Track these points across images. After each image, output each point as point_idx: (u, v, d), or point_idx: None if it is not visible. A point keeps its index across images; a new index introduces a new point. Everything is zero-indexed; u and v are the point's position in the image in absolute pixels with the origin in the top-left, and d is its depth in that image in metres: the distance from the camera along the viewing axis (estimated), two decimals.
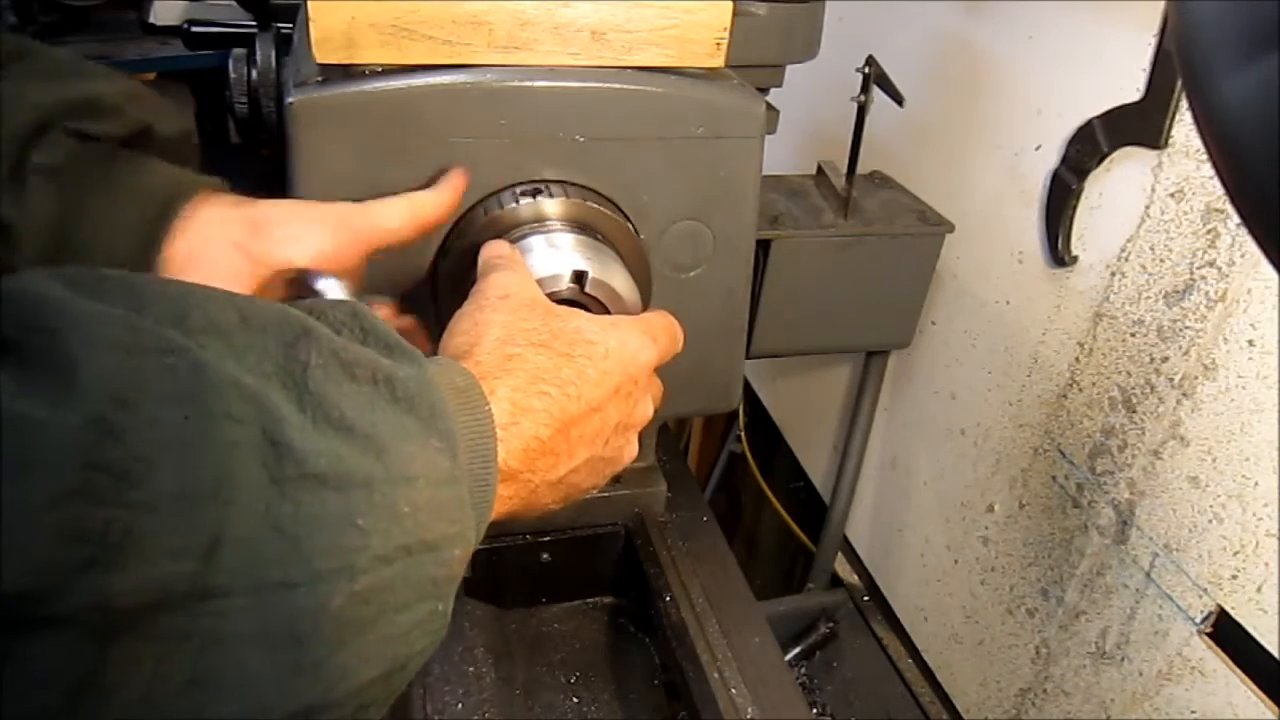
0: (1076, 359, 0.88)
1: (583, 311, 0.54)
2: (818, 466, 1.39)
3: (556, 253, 0.62)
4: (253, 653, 0.29)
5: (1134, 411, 0.82)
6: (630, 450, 0.55)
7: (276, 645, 0.30)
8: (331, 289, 0.54)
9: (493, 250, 0.59)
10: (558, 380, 0.47)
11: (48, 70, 0.55)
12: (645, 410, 0.55)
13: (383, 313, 0.58)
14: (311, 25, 0.58)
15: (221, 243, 0.53)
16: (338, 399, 0.34)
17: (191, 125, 0.63)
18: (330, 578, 0.31)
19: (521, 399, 0.45)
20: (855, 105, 0.95)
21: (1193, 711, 0.77)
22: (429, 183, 0.62)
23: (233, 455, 0.30)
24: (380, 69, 0.61)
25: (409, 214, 0.58)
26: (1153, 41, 0.76)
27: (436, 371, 0.41)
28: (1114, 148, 0.80)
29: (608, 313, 0.62)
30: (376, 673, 0.34)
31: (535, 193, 0.65)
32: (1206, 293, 0.73)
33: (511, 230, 0.64)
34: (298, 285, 0.54)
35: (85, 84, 0.55)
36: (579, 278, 0.62)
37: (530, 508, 0.49)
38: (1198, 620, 0.76)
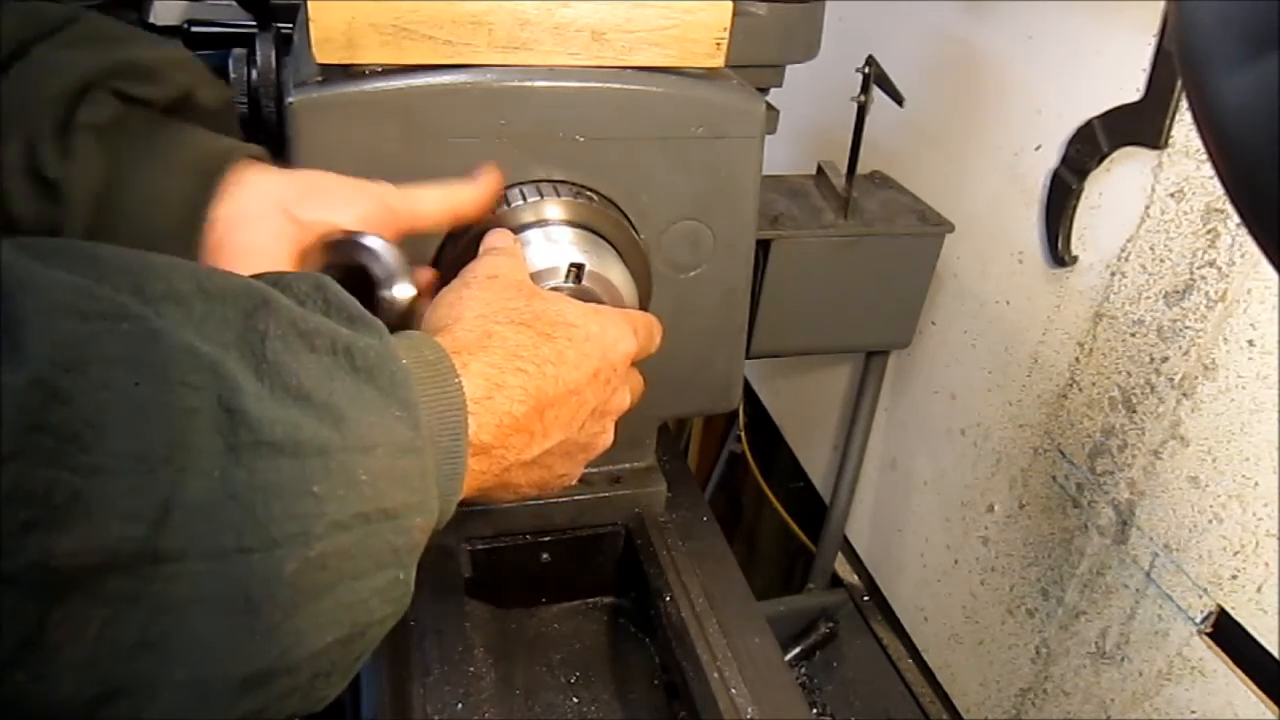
0: (1076, 359, 0.88)
1: (568, 297, 0.54)
2: (818, 466, 1.39)
3: (554, 246, 0.63)
4: (205, 617, 0.30)
5: (1134, 411, 0.82)
6: (605, 438, 0.56)
7: (230, 610, 0.30)
8: (379, 246, 0.54)
9: (492, 240, 0.60)
10: (536, 359, 0.47)
11: (94, 35, 0.55)
12: (622, 400, 0.55)
13: (425, 276, 0.59)
14: (311, 25, 0.58)
15: (268, 206, 0.54)
16: (295, 368, 0.34)
17: (230, 95, 0.64)
18: (286, 543, 0.31)
19: (496, 375, 0.45)
20: (855, 105, 0.95)
21: (1193, 711, 0.77)
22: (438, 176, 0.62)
23: (187, 422, 0.30)
24: (380, 69, 0.61)
25: (446, 205, 0.59)
26: (1153, 41, 0.76)
27: (405, 345, 0.41)
28: (1114, 148, 0.80)
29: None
30: (333, 639, 0.34)
31: (538, 193, 0.65)
32: (1206, 293, 0.73)
33: (512, 229, 0.64)
34: (342, 248, 0.54)
35: (129, 48, 0.55)
36: (576, 270, 0.62)
37: (504, 487, 0.49)
38: (1198, 620, 0.76)
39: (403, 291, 0.53)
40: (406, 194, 0.58)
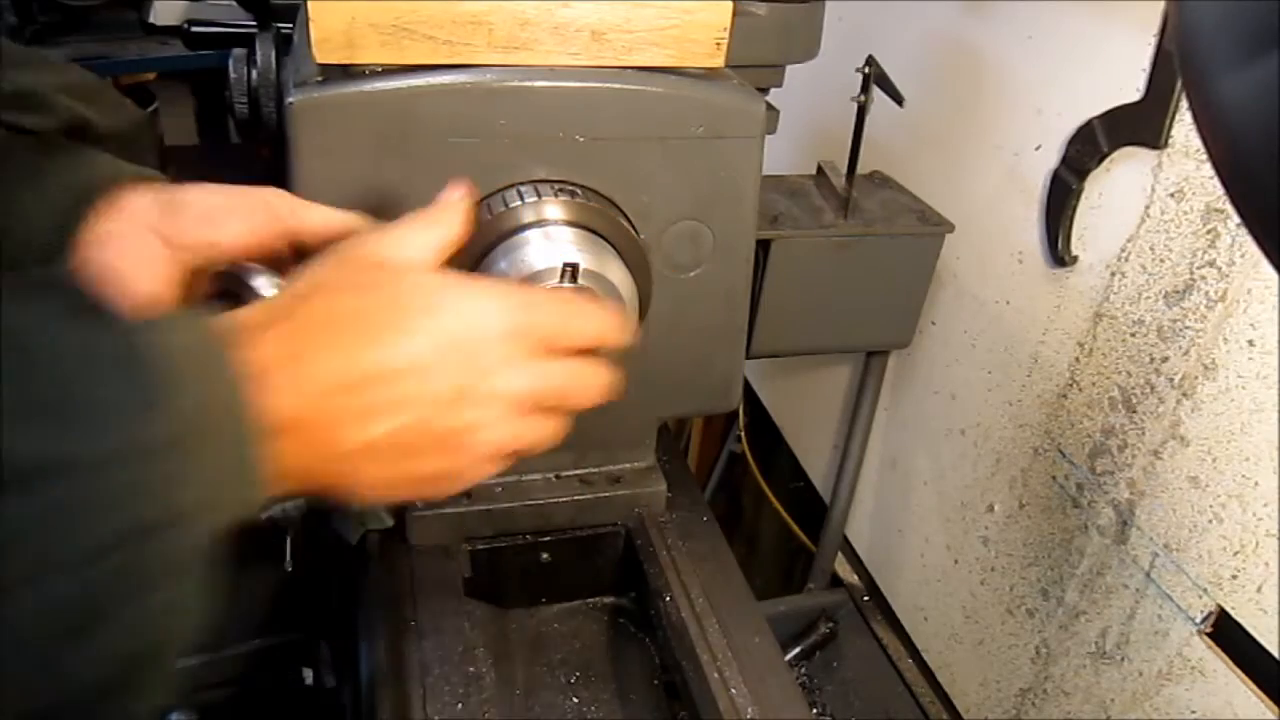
0: (1076, 359, 0.88)
1: (444, 274, 0.49)
2: (818, 466, 1.39)
3: (552, 245, 0.63)
4: (8, 646, 0.31)
5: (1134, 411, 0.82)
6: (498, 430, 0.49)
7: (26, 637, 0.31)
8: (262, 285, 0.53)
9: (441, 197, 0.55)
10: (359, 327, 0.44)
11: None
12: (509, 381, 0.48)
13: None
14: (311, 25, 0.58)
15: (138, 226, 0.53)
16: (41, 387, 0.33)
17: (144, 119, 0.63)
18: (56, 570, 0.31)
19: (296, 343, 0.42)
20: (855, 105, 0.95)
21: (1193, 711, 0.77)
22: (427, 186, 0.62)
23: None
24: (380, 69, 0.61)
25: (335, 224, 0.56)
26: (1153, 41, 0.76)
27: (165, 334, 0.38)
28: (1114, 148, 0.80)
29: None
30: (123, 658, 0.34)
31: (537, 193, 0.65)
32: (1206, 293, 0.73)
33: (512, 229, 0.64)
34: (230, 278, 0.54)
35: (21, 76, 0.55)
36: (571, 269, 0.62)
37: (344, 476, 0.45)
38: (1198, 620, 0.76)
39: None
40: (296, 202, 0.56)
